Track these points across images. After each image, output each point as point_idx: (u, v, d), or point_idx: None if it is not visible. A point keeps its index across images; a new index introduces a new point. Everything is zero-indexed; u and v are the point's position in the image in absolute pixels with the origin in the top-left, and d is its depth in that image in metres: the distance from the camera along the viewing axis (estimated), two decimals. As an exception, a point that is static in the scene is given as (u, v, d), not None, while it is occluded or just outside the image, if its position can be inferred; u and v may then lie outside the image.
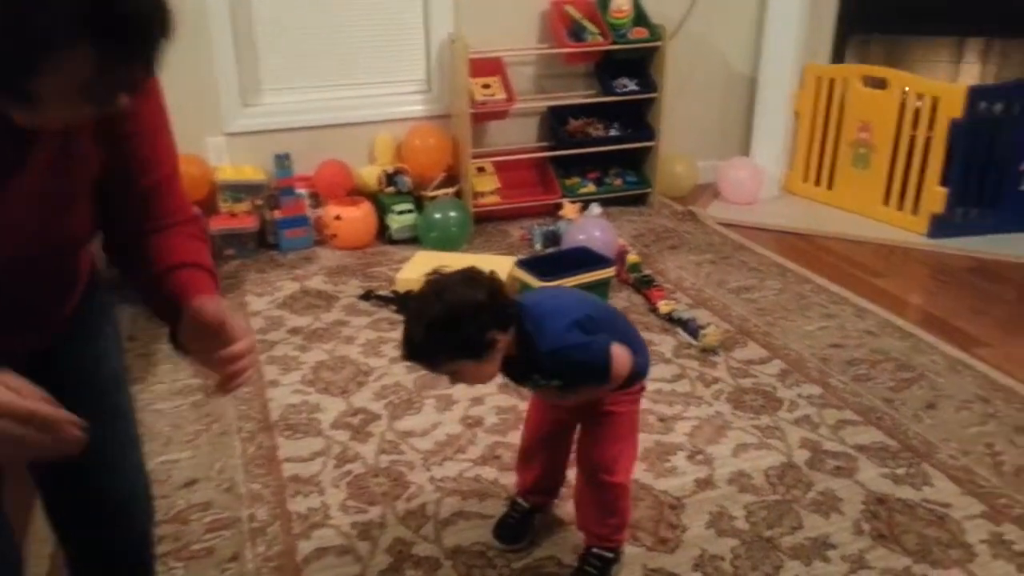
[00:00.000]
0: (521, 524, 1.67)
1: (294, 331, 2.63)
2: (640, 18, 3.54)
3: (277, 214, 3.32)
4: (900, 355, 2.41)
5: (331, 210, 3.29)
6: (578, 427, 1.58)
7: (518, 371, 1.41)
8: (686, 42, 3.70)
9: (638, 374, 1.48)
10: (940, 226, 3.32)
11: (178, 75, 3.22)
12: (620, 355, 1.39)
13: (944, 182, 3.29)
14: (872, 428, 2.05)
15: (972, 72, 3.71)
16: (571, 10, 3.47)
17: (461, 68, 3.29)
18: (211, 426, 2.11)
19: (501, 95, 3.39)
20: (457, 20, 3.45)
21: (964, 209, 3.35)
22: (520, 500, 1.70)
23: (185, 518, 1.77)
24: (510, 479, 1.85)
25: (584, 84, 3.70)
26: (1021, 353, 2.43)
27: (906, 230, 3.41)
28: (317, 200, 3.42)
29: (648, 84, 3.58)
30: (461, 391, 2.23)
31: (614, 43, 3.45)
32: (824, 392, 2.21)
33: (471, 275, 1.33)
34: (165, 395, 2.26)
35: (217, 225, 3.20)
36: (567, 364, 1.36)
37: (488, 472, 1.90)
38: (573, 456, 1.61)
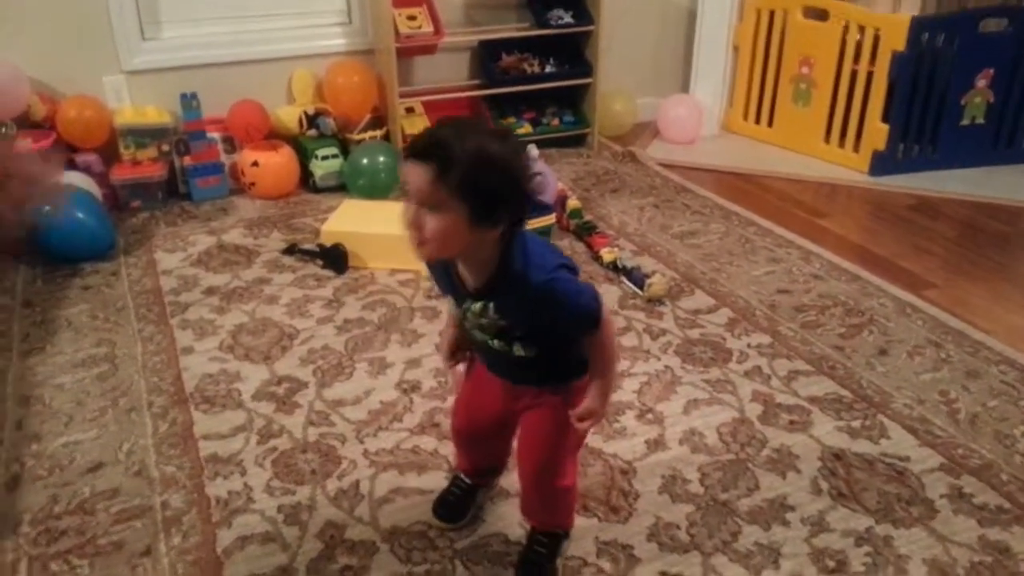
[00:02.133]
0: (463, 500, 1.54)
1: (210, 291, 2.41)
2: (575, -56, 3.32)
3: (187, 161, 3.04)
4: (848, 299, 2.34)
5: (247, 155, 3.04)
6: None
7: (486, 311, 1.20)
8: (623, -29, 3.50)
9: (583, 361, 1.30)
10: (882, 163, 3.27)
11: (65, 4, 2.94)
12: (608, 316, 1.23)
13: (886, 118, 3.22)
14: (825, 378, 1.98)
15: (913, 4, 3.62)
16: (502, -65, 3.23)
17: (384, -2, 3.04)
18: (118, 401, 1.91)
19: (428, 28, 3.15)
20: (378, -55, 3.18)
21: (905, 146, 3.30)
22: (462, 475, 1.57)
23: (90, 508, 1.59)
24: (450, 448, 1.72)
25: (517, 16, 3.47)
26: (966, 294, 2.40)
27: (848, 168, 3.35)
28: (232, 145, 3.15)
29: (584, 16, 3.38)
30: (394, 354, 2.08)
31: (548, -29, 3.23)
32: (774, 341, 2.13)
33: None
34: (66, 367, 2.04)
35: (120, 175, 2.92)
36: (555, 305, 1.15)
37: (427, 442, 1.76)
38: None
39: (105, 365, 2.05)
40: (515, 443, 1.45)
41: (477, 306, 1.19)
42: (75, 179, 2.70)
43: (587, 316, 1.19)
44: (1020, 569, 1.44)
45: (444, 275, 1.23)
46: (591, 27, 3.38)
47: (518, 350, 1.23)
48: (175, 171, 3.07)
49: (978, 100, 3.23)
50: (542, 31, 3.35)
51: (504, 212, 1.09)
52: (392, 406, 1.88)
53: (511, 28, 3.43)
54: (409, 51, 3.20)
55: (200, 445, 1.76)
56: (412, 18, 3.13)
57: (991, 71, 3.18)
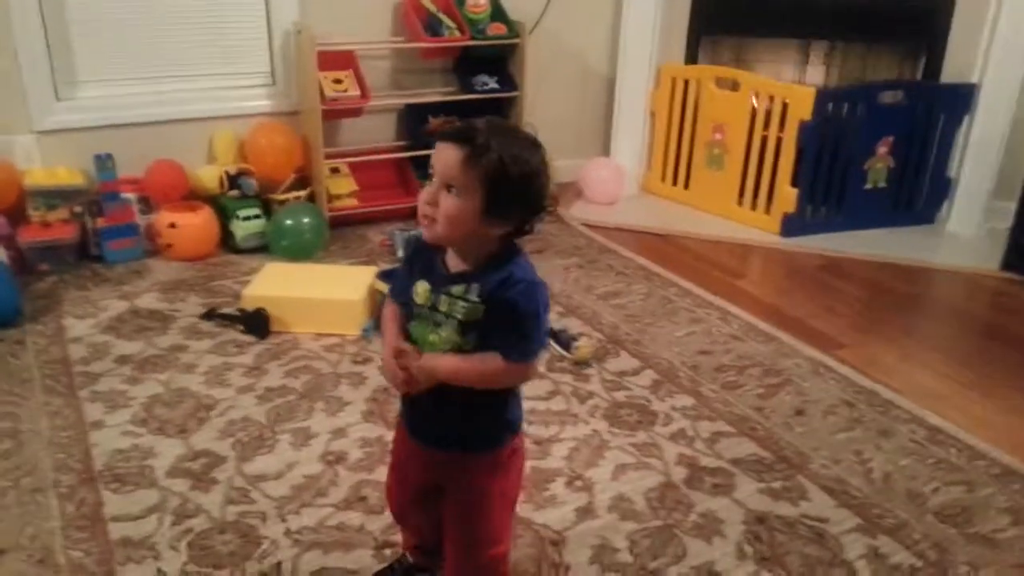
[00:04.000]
0: (398, 580, 1.50)
1: (122, 360, 2.32)
2: (498, 14, 3.41)
3: (101, 222, 2.94)
4: (765, 359, 2.42)
5: (164, 216, 2.97)
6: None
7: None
8: (544, 40, 3.60)
9: (510, 423, 1.30)
10: (792, 225, 3.41)
11: (-27, 63, 2.84)
12: (534, 366, 1.24)
13: (795, 182, 3.38)
14: (746, 439, 2.02)
15: (816, 73, 3.85)
16: (427, 3, 3.29)
17: (309, 61, 3.04)
18: (20, 481, 1.80)
19: (355, 91, 3.17)
20: (302, 9, 3.19)
21: (814, 208, 3.46)
22: (407, 555, 1.52)
23: (-13, 601, 1.48)
24: (378, 523, 1.68)
25: (442, 80, 3.53)
26: (875, 353, 2.50)
27: (760, 229, 3.49)
28: (148, 205, 3.07)
29: (508, 82, 3.47)
30: (319, 423, 2.03)
31: (473, 39, 3.31)
32: (696, 403, 2.18)
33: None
34: (-39, 446, 1.92)
35: (27, 237, 2.80)
36: (522, 301, 1.15)
37: (353, 518, 1.71)
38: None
39: (8, 442, 1.93)
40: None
41: (459, 288, 1.18)
42: (-22, 242, 2.58)
43: (531, 342, 1.18)
44: (936, 628, 1.48)
45: (427, 260, 1.22)
46: (515, 93, 3.46)
47: (465, 343, 1.19)
48: (87, 233, 2.96)
49: (880, 166, 3.43)
50: (467, 96, 3.41)
51: (517, 213, 1.15)
52: (316, 480, 1.83)
53: (437, 92, 3.48)
54: (335, 113, 3.21)
55: (110, 528, 1.67)
56: (338, 81, 3.14)
57: (891, 139, 3.39)
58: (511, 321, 1.16)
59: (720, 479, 1.87)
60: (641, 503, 1.78)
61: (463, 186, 1.11)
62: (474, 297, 1.17)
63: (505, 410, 1.28)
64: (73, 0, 2.91)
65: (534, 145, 1.17)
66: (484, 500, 1.30)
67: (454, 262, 1.21)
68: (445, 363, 1.19)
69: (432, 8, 3.29)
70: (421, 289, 1.22)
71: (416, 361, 1.19)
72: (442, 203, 1.13)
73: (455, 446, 1.29)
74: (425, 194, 1.15)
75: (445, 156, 1.12)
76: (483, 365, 1.17)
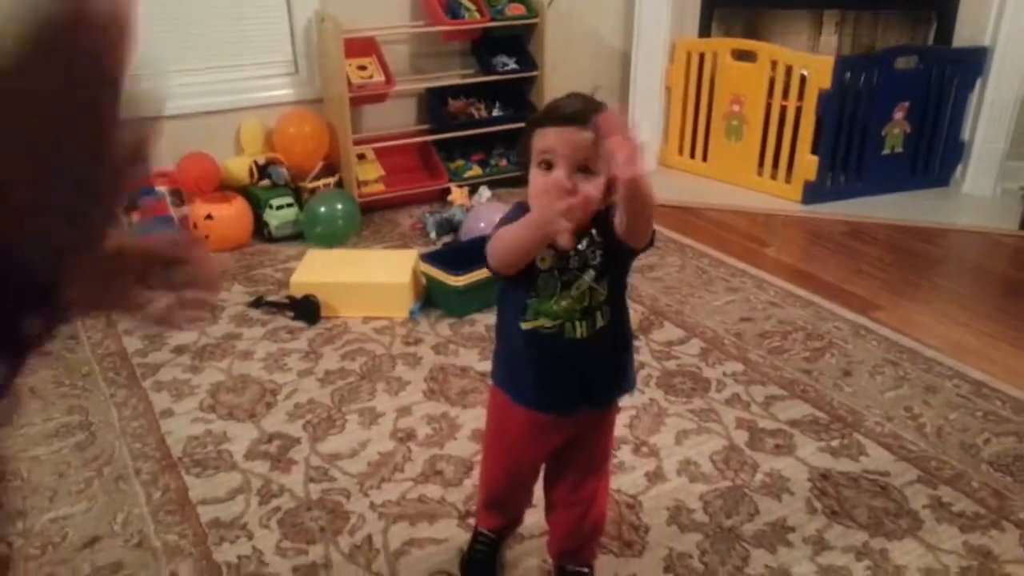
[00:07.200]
0: (491, 557, 1.54)
1: (179, 350, 2.36)
2: (516, -7, 3.43)
3: (136, 217, 2.97)
4: (806, 324, 2.48)
5: (199, 208, 2.99)
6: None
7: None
8: (560, 18, 3.62)
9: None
10: (813, 193, 3.47)
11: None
12: None
13: (815, 150, 3.43)
14: (799, 401, 2.09)
15: (830, 43, 3.89)
16: (446, -15, 3.31)
17: (335, 49, 3.06)
18: (102, 470, 1.85)
19: (380, 77, 3.19)
20: (323, -3, 3.21)
21: (834, 175, 3.52)
22: (487, 531, 1.56)
23: (91, 585, 1.53)
24: (457, 495, 1.74)
25: (461, 63, 3.55)
26: (909, 313, 2.57)
27: (781, 198, 3.54)
28: (180, 198, 3.09)
29: (527, 62, 3.49)
30: (383, 403, 2.08)
31: (492, 20, 3.33)
32: (746, 368, 2.24)
33: None
34: (39, 439, 1.95)
35: (67, 233, 2.82)
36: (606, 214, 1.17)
37: (432, 490, 1.77)
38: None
39: (81, 434, 1.98)
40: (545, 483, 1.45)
41: (584, 242, 1.19)
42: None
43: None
44: (1004, 571, 1.56)
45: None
46: (535, 72, 3.49)
47: (604, 294, 1.22)
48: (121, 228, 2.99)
49: (896, 131, 3.49)
50: (488, 77, 3.44)
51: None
52: (391, 456, 1.88)
53: (457, 75, 3.51)
54: (361, 100, 3.23)
55: (199, 510, 1.72)
56: (363, 68, 3.16)
57: (906, 104, 3.44)
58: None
59: (780, 440, 1.94)
60: (708, 466, 1.85)
61: (597, 164, 1.12)
62: (597, 238, 1.19)
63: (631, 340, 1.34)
64: (98, -5, 2.91)
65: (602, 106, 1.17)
66: (608, 450, 1.37)
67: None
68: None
69: (452, -9, 3.31)
70: (546, 254, 1.18)
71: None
72: (584, 186, 1.12)
73: (604, 397, 1.33)
74: (559, 181, 1.12)
75: (575, 140, 1.11)
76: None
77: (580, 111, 1.14)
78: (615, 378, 1.33)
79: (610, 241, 1.19)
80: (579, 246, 1.19)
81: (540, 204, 1.13)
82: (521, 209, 1.20)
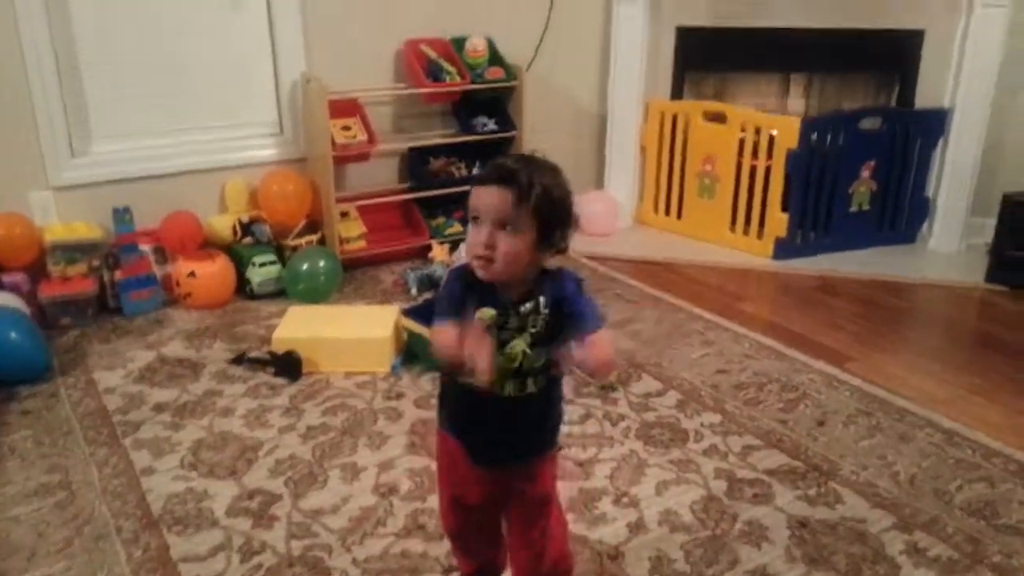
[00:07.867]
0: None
1: (159, 407, 2.35)
2: (495, 58, 3.55)
3: (119, 275, 2.99)
4: (780, 375, 2.53)
5: (183, 266, 3.02)
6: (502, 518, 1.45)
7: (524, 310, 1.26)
8: (538, 81, 3.74)
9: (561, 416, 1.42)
10: (784, 249, 3.57)
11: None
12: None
13: (785, 208, 3.54)
14: (775, 451, 2.13)
15: (797, 103, 4.04)
16: (427, 50, 3.42)
17: (320, 110, 3.14)
18: (82, 529, 1.83)
19: (363, 136, 3.27)
20: (309, 60, 3.30)
21: (803, 232, 3.62)
22: None
23: (68, 646, 1.51)
24: (440, 549, 1.74)
25: (443, 123, 3.65)
26: (880, 364, 2.63)
27: (752, 254, 3.63)
28: (163, 256, 3.12)
29: (506, 123, 3.59)
30: (365, 458, 2.09)
31: (473, 83, 3.44)
32: (723, 419, 2.28)
33: None
34: (18, 498, 1.94)
35: (49, 292, 2.84)
36: (580, 296, 1.27)
37: (415, 545, 1.77)
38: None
39: (61, 493, 1.96)
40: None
41: (528, 305, 1.25)
42: (4, 299, 2.61)
43: (598, 314, 1.27)
44: (980, 614, 1.58)
45: (481, 293, 1.25)
46: (513, 132, 3.58)
47: (538, 361, 1.27)
48: (104, 286, 3.00)
49: (863, 189, 3.61)
50: (468, 137, 3.53)
51: (559, 237, 1.24)
52: (373, 511, 1.89)
53: (439, 135, 3.60)
54: (344, 159, 3.30)
55: (180, 568, 1.71)
56: (347, 128, 3.24)
57: (872, 163, 3.58)
58: (577, 307, 1.26)
59: (758, 489, 1.97)
60: (688, 515, 1.87)
61: (519, 224, 1.19)
62: (543, 309, 1.26)
63: (561, 404, 1.38)
64: (86, 57, 2.98)
65: (555, 168, 1.27)
66: (548, 492, 1.40)
67: (506, 293, 1.26)
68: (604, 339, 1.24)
69: (432, 55, 3.42)
70: (486, 315, 1.23)
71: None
72: (500, 243, 1.19)
73: (529, 454, 1.37)
74: (479, 236, 1.20)
75: (495, 199, 1.19)
76: (605, 351, 1.23)
77: (506, 172, 1.20)
78: (538, 440, 1.38)
79: (556, 326, 1.26)
80: (521, 308, 1.25)
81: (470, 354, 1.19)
82: (456, 281, 1.27)
